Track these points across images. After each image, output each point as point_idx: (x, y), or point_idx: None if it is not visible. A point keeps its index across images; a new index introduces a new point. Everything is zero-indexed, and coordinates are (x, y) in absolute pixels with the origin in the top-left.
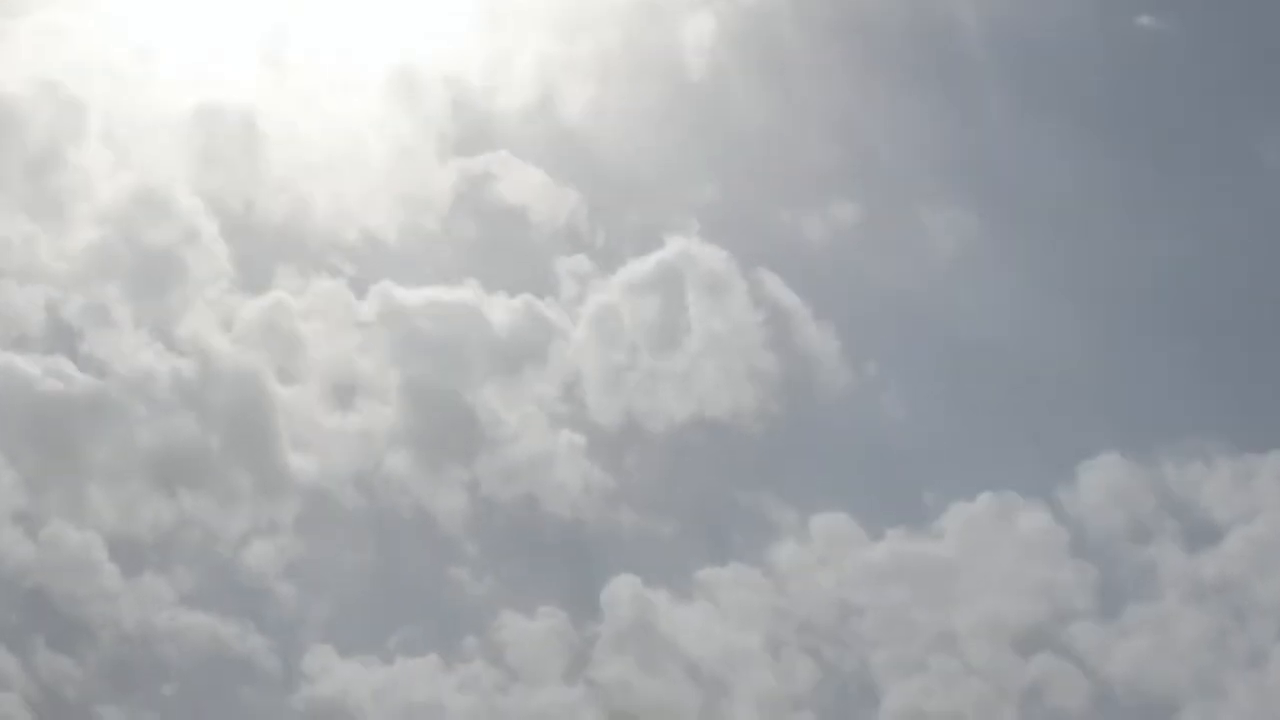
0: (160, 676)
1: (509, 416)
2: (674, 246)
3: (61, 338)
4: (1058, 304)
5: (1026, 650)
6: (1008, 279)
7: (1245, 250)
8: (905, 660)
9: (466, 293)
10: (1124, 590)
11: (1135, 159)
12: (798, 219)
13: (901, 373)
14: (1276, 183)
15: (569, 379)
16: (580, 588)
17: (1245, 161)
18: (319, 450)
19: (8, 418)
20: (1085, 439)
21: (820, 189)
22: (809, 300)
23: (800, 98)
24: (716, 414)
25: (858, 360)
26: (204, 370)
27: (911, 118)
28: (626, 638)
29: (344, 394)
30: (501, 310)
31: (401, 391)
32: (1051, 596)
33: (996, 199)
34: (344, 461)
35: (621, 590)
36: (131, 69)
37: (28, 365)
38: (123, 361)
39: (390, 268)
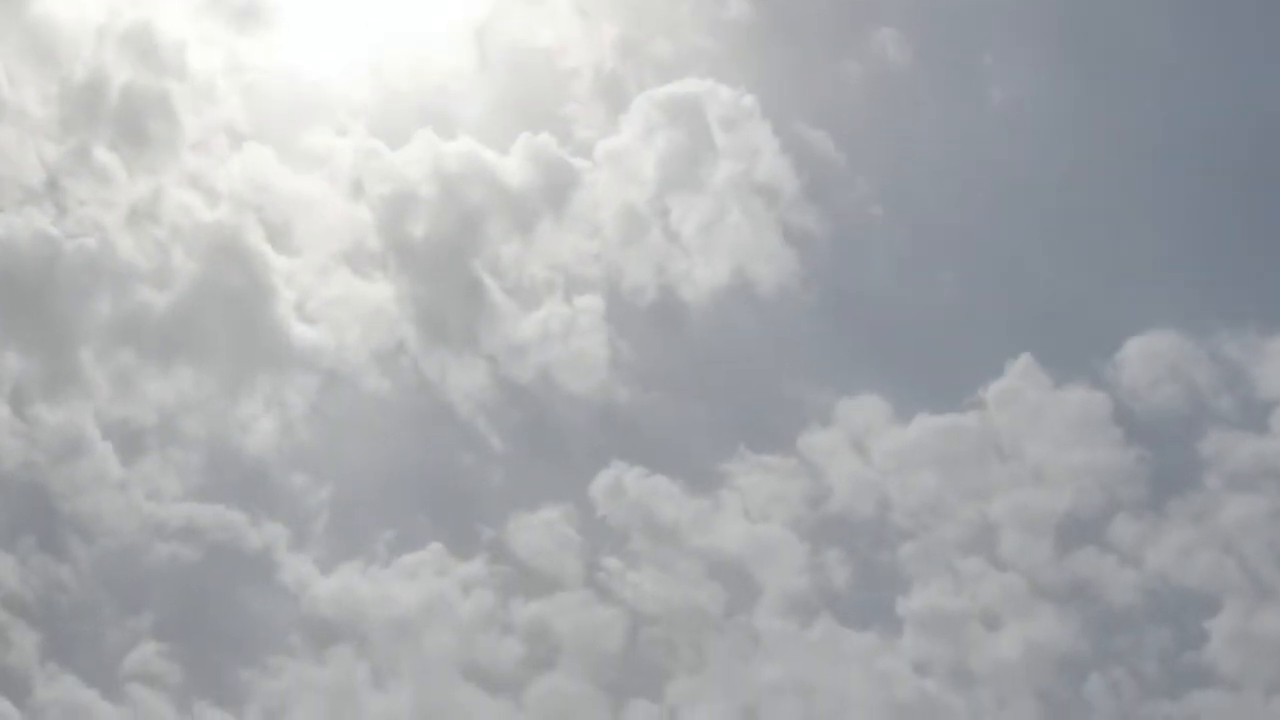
0: (161, 573)
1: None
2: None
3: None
4: (1117, 166)
5: (1066, 542)
6: (1066, 137)
7: None
8: (939, 553)
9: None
10: (1171, 477)
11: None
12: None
13: (941, 238)
14: None
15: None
16: (596, 479)
17: None
18: (322, 324)
19: None
20: (1135, 313)
21: (861, 27)
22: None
23: None
24: (741, 281)
25: (891, 221)
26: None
27: None
28: (646, 532)
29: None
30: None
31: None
32: (1094, 484)
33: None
34: (349, 336)
35: (640, 482)
36: None
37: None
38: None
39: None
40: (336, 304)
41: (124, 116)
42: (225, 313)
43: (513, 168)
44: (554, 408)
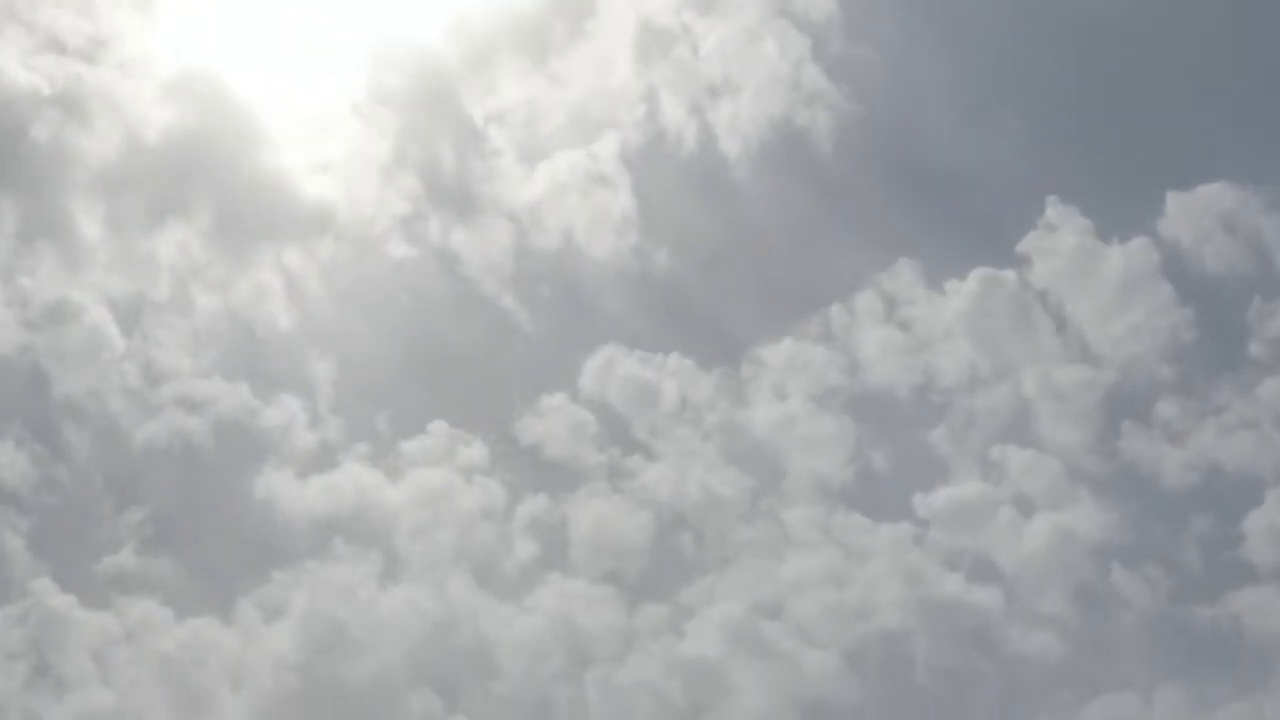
0: (158, 460)
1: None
2: None
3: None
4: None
5: (1108, 419)
6: None
7: None
8: (973, 436)
9: None
10: (1225, 340)
11: None
12: None
13: (972, 88)
14: None
15: None
16: (610, 360)
17: None
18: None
19: None
20: (1187, 165)
21: None
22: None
23: None
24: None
25: (916, 71)
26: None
27: None
28: (669, 423)
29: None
30: None
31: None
32: (1142, 348)
33: None
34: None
35: (660, 368)
36: None
37: None
38: None
39: None
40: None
41: None
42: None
43: None
44: (574, 277)
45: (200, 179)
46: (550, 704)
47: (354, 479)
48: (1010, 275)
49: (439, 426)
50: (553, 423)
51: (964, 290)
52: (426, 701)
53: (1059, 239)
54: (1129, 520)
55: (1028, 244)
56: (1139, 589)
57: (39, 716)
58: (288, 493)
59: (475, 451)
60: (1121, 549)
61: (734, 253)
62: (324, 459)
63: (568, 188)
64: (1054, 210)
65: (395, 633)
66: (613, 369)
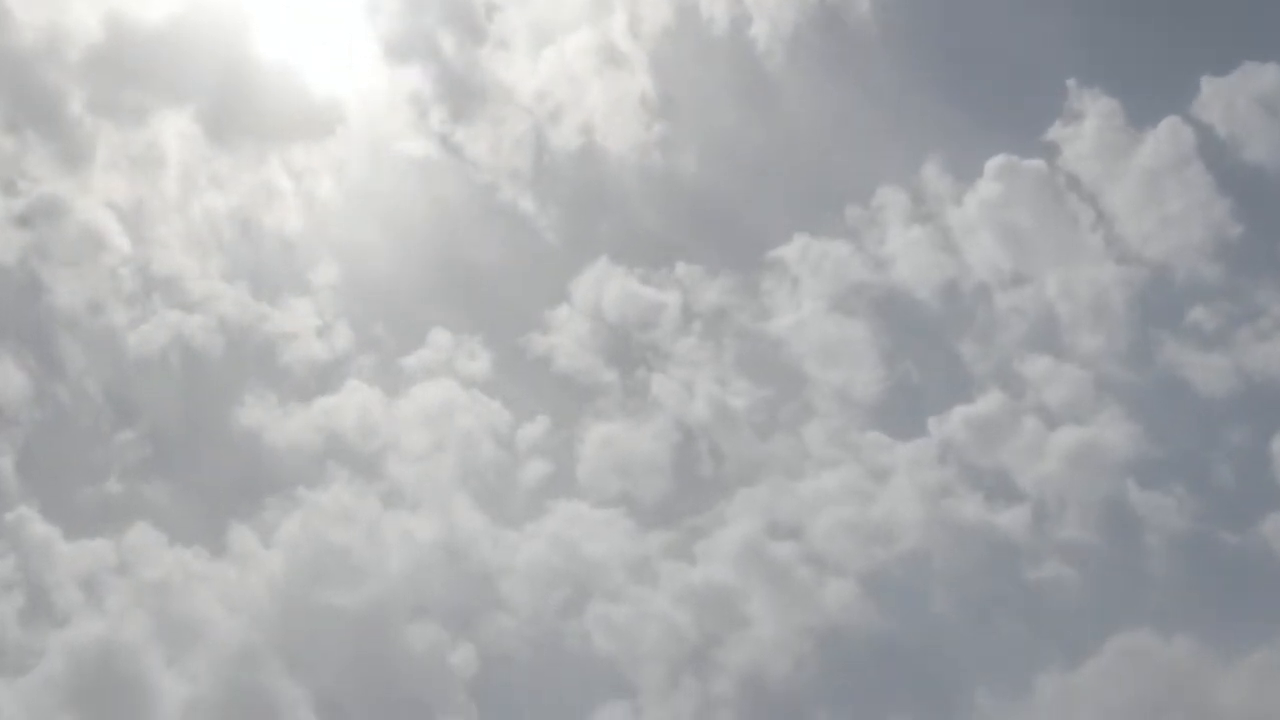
0: (156, 380)
1: None
2: None
3: None
4: None
5: (1142, 324)
6: None
7: None
8: (1001, 344)
9: None
10: (1264, 240)
11: None
12: None
13: None
14: None
15: None
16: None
17: None
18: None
19: None
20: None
21: None
22: None
23: None
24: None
25: None
26: None
27: None
28: (683, 335)
29: None
30: None
31: None
32: (1175, 252)
33: None
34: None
35: (673, 278)
36: None
37: None
38: None
39: None
40: None
41: None
42: None
43: None
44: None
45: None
46: (558, 635)
47: (355, 399)
48: (1038, 165)
49: (443, 337)
50: (561, 336)
51: (990, 184)
52: (429, 632)
53: (1088, 126)
54: (1158, 434)
55: (1056, 132)
56: (1165, 511)
57: (35, 649)
58: (288, 413)
59: (480, 365)
60: (1149, 466)
61: (761, 147)
62: (327, 374)
63: (582, 73)
64: (1081, 95)
65: (396, 560)
66: (624, 279)
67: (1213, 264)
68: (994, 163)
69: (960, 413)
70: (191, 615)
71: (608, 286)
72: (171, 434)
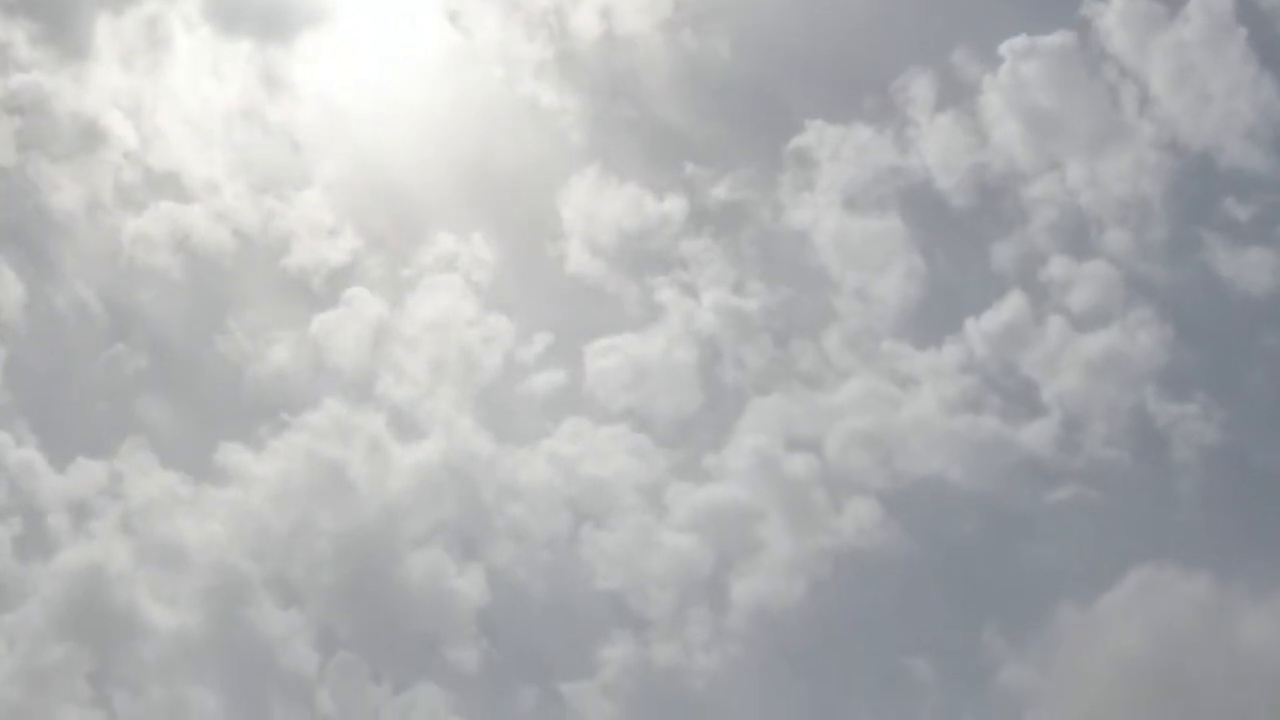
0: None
1: None
2: None
3: None
4: None
5: (1179, 218)
6: None
7: None
8: (1029, 240)
9: None
10: None
11: None
12: None
13: None
14: None
15: None
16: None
17: None
18: None
19: None
20: None
21: None
22: None
23: None
24: None
25: None
26: None
27: None
28: (697, 236)
29: None
30: None
31: None
32: (1220, 123)
33: None
34: None
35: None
36: None
37: None
38: None
39: None
40: None
41: None
42: None
43: None
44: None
45: None
46: (566, 559)
47: (358, 309)
48: (1070, 43)
49: (448, 240)
50: (568, 245)
51: (1018, 65)
52: (433, 559)
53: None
54: (1192, 339)
55: (1088, 8)
56: (1197, 425)
57: (28, 580)
58: (290, 323)
59: (486, 272)
60: (1181, 375)
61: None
62: (333, 279)
63: None
64: None
65: (397, 482)
66: (633, 179)
67: (1257, 150)
68: (1020, 42)
69: (985, 318)
70: (183, 542)
71: (614, 190)
72: (169, 346)
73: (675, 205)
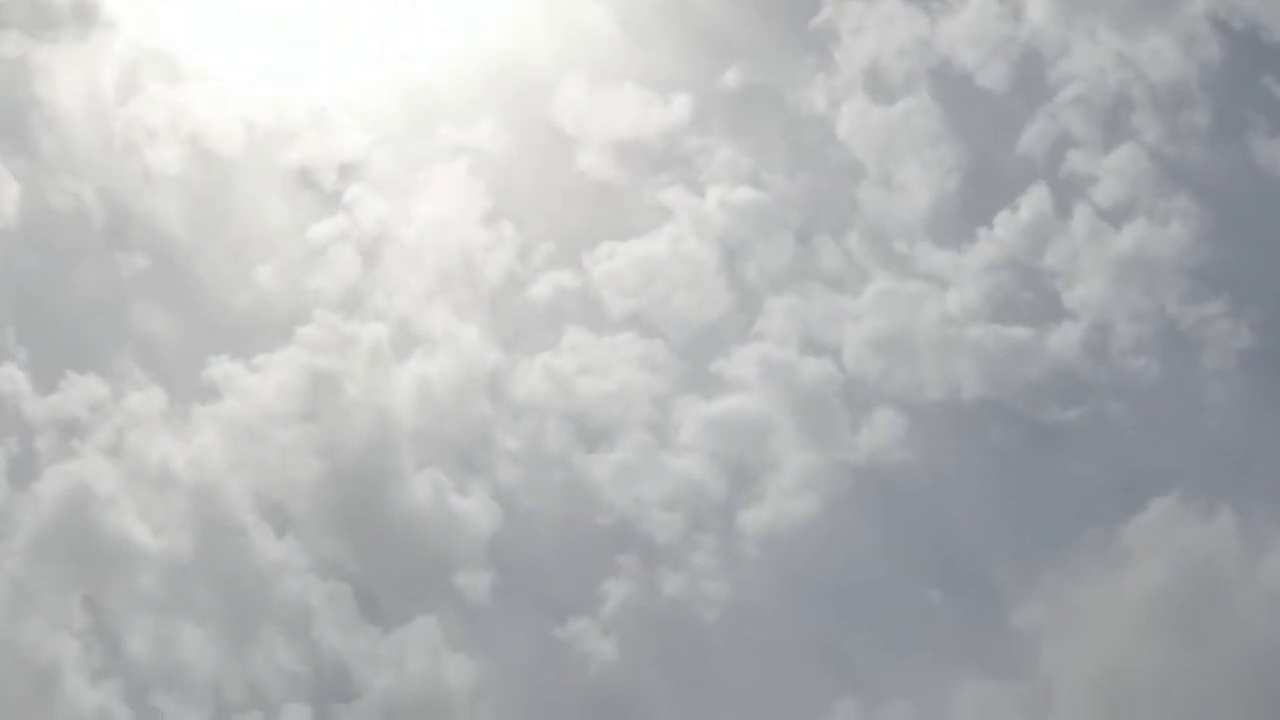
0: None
1: None
2: None
3: None
4: None
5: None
6: None
7: None
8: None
9: None
10: None
11: None
12: None
13: None
14: None
15: None
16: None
17: None
18: None
19: None
20: None
21: None
22: None
23: None
24: None
25: None
26: None
27: None
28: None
29: None
30: None
31: None
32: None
33: None
34: None
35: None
36: None
37: None
38: None
39: None
40: None
41: None
42: None
43: None
44: None
45: None
46: (573, 480)
47: (360, 212)
48: None
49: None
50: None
51: None
52: (430, 478)
53: None
54: (1230, 235)
55: None
56: (1231, 325)
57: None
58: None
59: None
60: (1215, 275)
61: None
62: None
63: None
64: None
65: (400, 400)
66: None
67: None
68: None
69: (1011, 212)
70: (174, 467)
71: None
72: (169, 249)
73: (682, 99)
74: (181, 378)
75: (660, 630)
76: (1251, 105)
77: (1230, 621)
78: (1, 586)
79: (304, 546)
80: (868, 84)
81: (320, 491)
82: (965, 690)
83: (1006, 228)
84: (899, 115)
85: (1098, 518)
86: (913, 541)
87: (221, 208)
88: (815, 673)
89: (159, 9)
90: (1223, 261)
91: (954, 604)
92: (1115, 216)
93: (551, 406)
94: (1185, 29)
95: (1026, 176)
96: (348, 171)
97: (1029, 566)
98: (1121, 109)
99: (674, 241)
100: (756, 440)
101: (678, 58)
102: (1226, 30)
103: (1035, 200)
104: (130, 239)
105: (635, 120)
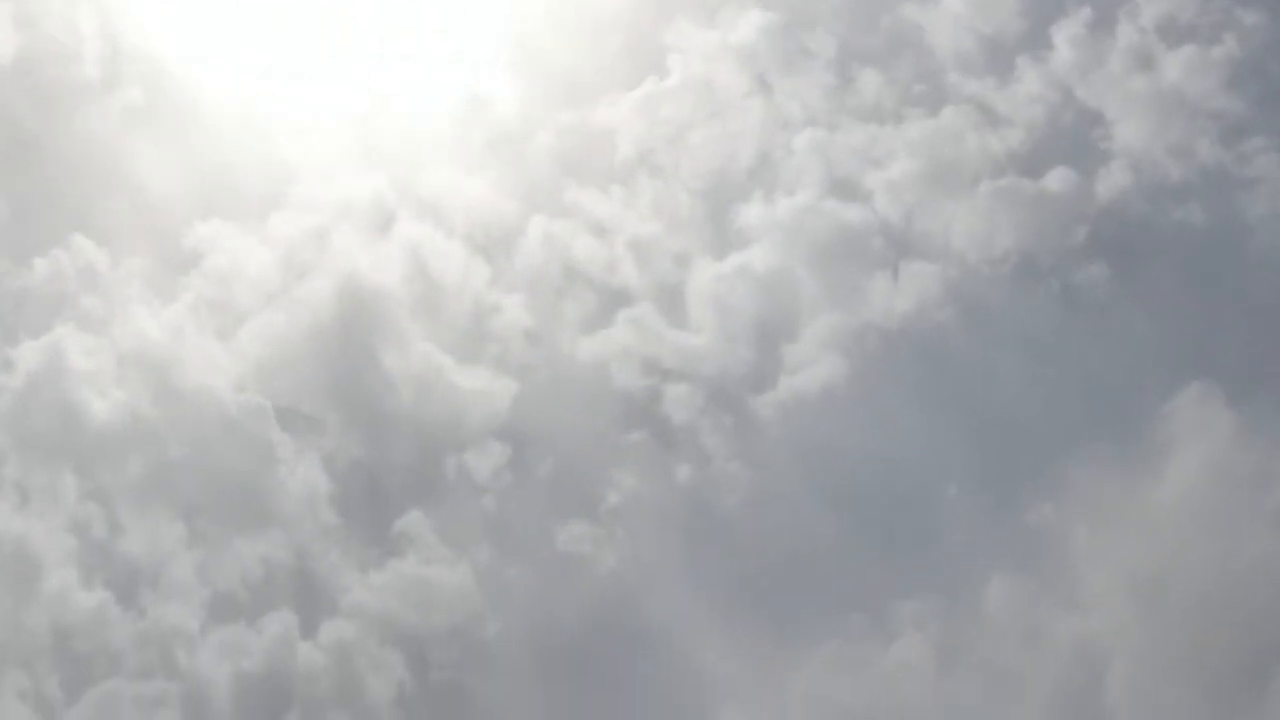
0: None
1: None
2: None
3: None
4: None
5: None
6: None
7: None
8: None
9: None
10: None
11: None
12: None
13: None
14: None
15: None
16: None
17: None
18: None
19: None
20: None
21: None
22: None
23: None
24: None
25: None
26: None
27: None
28: None
29: None
30: None
31: None
32: None
33: None
34: None
35: None
36: None
37: None
38: None
39: None
40: None
41: None
42: None
43: None
44: None
45: None
46: (577, 351)
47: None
48: None
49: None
50: None
51: None
52: (425, 353)
53: None
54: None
55: None
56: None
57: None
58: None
59: None
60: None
61: None
62: None
63: None
64: None
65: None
66: None
67: None
68: None
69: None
70: (151, 348)
71: None
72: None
73: None
74: (165, 245)
75: (672, 519)
76: None
77: (1262, 514)
78: None
79: (307, 439)
80: None
81: (320, 369)
82: (993, 584)
83: (1050, 61)
84: None
85: (1134, 400)
86: (942, 417)
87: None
88: (838, 566)
89: None
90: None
91: (982, 493)
92: (1165, 42)
93: (560, 270)
94: None
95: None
96: None
97: (1061, 453)
98: None
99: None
100: (782, 293)
101: None
102: None
103: (1079, 20)
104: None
105: None
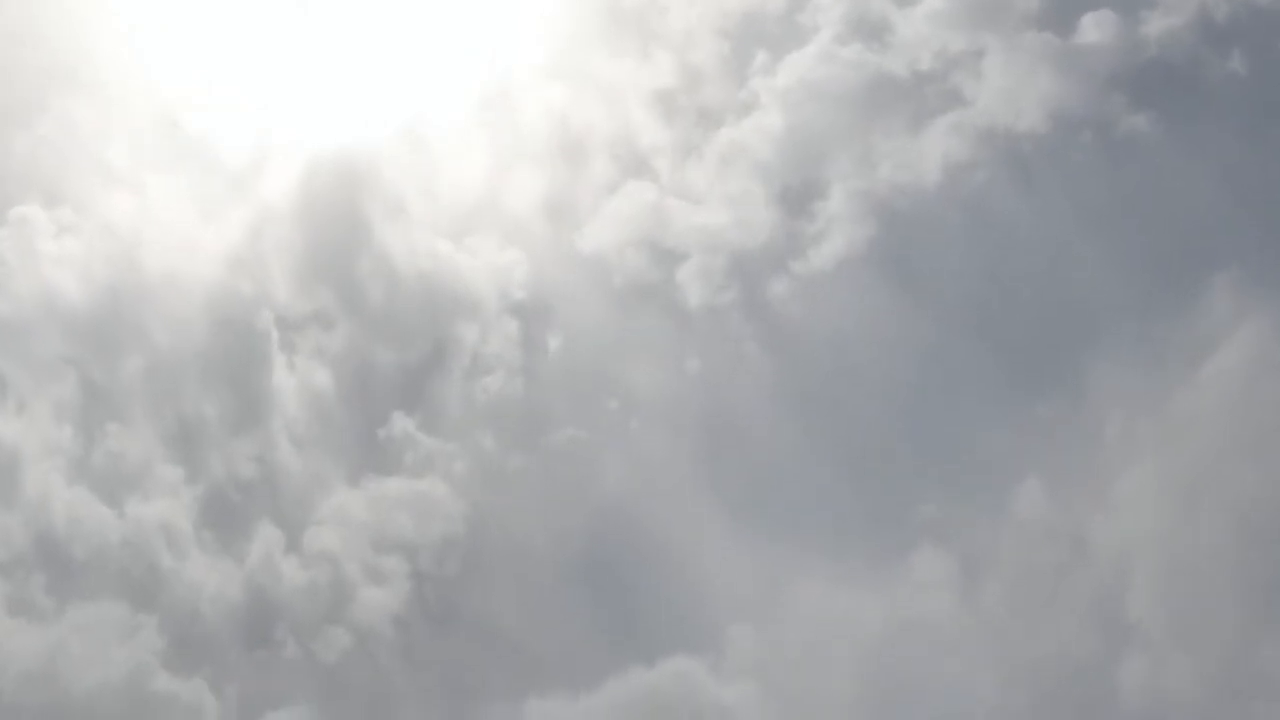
0: None
1: None
2: None
3: None
4: None
5: None
6: None
7: None
8: None
9: None
10: None
11: None
12: None
13: None
14: None
15: None
16: None
17: None
18: None
19: None
20: None
21: None
22: None
23: None
24: None
25: None
26: None
27: None
28: None
29: None
30: None
31: None
32: None
33: None
34: None
35: None
36: None
37: None
38: None
39: None
40: None
41: None
42: None
43: None
44: None
45: None
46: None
47: None
48: None
49: None
50: None
51: None
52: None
53: None
54: None
55: None
56: None
57: None
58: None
59: None
60: None
61: None
62: None
63: None
64: None
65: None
66: None
67: None
68: None
69: None
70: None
71: None
72: None
73: None
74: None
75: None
76: None
77: None
78: None
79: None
80: None
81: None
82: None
83: None
84: None
85: (1176, 282)
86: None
87: None
88: (858, 469)
89: None
90: None
91: (1008, 389)
92: None
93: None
94: None
95: None
96: None
97: (1096, 339)
98: None
99: None
100: (804, 162)
101: None
102: None
103: None
104: None
105: None
